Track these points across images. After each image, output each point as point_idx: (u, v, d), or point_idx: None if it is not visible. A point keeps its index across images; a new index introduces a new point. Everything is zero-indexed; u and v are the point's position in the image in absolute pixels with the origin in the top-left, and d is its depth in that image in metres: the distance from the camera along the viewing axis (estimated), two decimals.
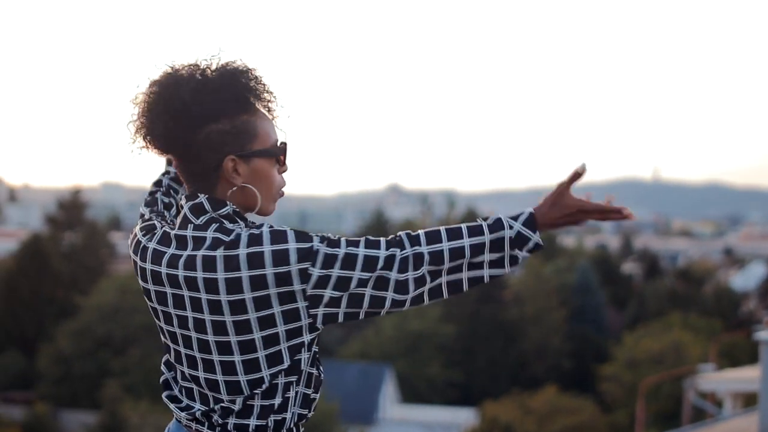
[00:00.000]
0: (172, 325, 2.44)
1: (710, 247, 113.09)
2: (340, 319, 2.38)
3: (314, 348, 2.43)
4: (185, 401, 2.47)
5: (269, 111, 2.46)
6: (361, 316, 2.39)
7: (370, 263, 2.33)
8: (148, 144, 2.44)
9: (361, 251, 2.34)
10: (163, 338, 2.51)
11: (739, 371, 22.56)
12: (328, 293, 2.32)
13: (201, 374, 2.41)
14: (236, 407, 2.37)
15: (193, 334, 2.39)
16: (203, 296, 2.34)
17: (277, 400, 2.38)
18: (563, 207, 2.50)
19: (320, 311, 2.35)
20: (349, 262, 2.32)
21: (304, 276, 2.29)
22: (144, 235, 2.52)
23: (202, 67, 2.39)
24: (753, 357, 27.58)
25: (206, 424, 2.42)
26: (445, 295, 2.45)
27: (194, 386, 2.44)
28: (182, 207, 2.44)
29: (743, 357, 34.68)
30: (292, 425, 2.42)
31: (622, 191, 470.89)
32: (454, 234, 2.42)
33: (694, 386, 20.94)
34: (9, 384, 37.45)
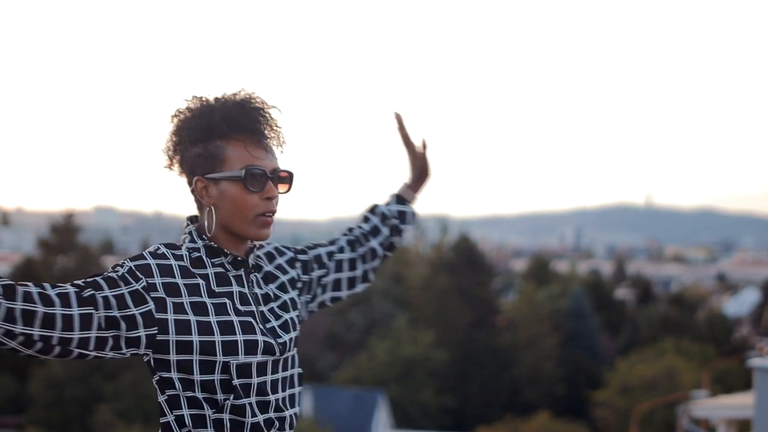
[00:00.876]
0: None
1: (703, 273, 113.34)
2: None
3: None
4: None
5: (256, 139, 2.59)
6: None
7: None
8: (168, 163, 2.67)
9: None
10: None
11: (732, 397, 22.52)
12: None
13: None
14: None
15: None
16: None
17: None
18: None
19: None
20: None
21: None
22: None
23: (204, 98, 2.61)
24: (746, 383, 27.58)
25: None
26: None
27: None
28: None
29: (736, 383, 34.71)
30: None
31: (614, 217, 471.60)
32: None
33: (687, 412, 20.95)
34: (1, 408, 37.27)
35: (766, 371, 12.88)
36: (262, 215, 2.55)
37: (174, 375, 2.47)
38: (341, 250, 3.10)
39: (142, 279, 2.42)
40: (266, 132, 2.59)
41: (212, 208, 2.56)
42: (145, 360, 2.50)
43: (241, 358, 2.47)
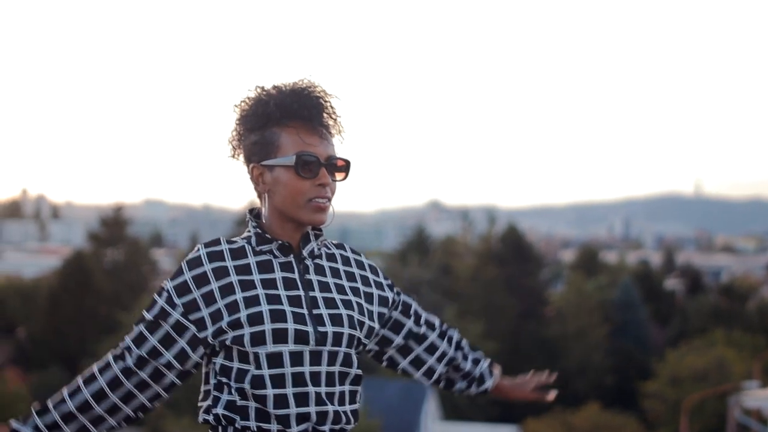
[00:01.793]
0: None
1: (753, 263, 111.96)
2: None
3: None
4: None
5: (311, 126, 2.59)
6: None
7: None
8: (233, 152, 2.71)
9: None
10: None
11: None
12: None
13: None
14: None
15: None
16: None
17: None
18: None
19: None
20: None
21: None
22: None
23: (263, 87, 2.64)
24: None
25: None
26: None
27: None
28: None
29: None
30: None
31: (663, 206, 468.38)
32: None
33: (738, 403, 20.78)
34: None
35: None
36: (314, 199, 2.55)
37: (219, 361, 2.55)
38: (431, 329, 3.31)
39: (178, 305, 2.51)
40: (323, 119, 2.60)
41: (266, 194, 2.59)
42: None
43: (270, 348, 2.46)
